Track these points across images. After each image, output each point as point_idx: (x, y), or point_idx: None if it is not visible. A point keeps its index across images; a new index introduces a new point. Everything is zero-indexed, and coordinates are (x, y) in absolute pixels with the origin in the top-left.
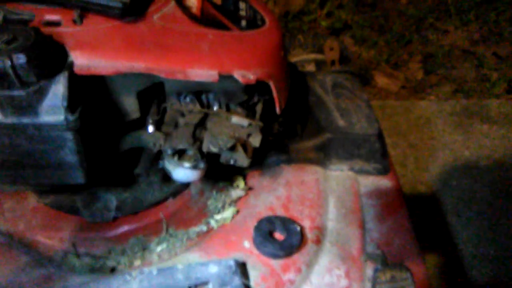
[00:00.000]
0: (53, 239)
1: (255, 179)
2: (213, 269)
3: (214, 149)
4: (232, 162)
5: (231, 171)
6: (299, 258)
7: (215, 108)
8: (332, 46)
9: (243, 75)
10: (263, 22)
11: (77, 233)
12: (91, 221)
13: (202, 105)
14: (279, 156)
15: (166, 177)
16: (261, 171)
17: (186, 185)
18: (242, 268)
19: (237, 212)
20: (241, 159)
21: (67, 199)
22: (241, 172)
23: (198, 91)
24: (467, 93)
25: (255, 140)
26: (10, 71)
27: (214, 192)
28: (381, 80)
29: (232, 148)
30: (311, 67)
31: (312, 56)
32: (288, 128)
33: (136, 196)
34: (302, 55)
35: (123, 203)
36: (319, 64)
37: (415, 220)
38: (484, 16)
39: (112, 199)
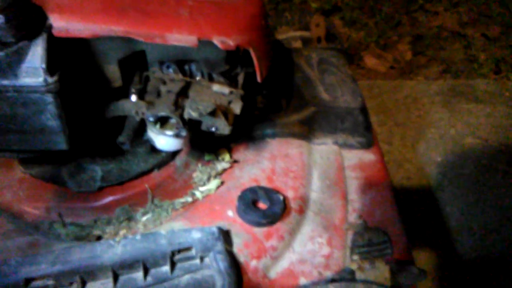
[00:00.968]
0: (39, 209)
1: (240, 152)
2: (196, 235)
3: (194, 114)
4: (213, 129)
5: (216, 144)
6: (281, 226)
7: (197, 78)
8: (318, 23)
9: (223, 41)
10: None
11: (63, 203)
12: (76, 191)
13: (184, 74)
14: (263, 129)
15: (151, 149)
16: (246, 145)
17: (171, 157)
18: (225, 234)
19: (222, 183)
20: (222, 126)
21: (53, 169)
22: (227, 145)
23: (181, 61)
24: (455, 74)
25: (236, 107)
26: None
27: (200, 165)
28: (370, 61)
29: (213, 114)
30: (297, 44)
31: (299, 33)
32: (273, 102)
33: (121, 167)
34: (289, 32)
35: (109, 173)
36: (305, 41)
37: (401, 196)
38: None
39: (97, 170)
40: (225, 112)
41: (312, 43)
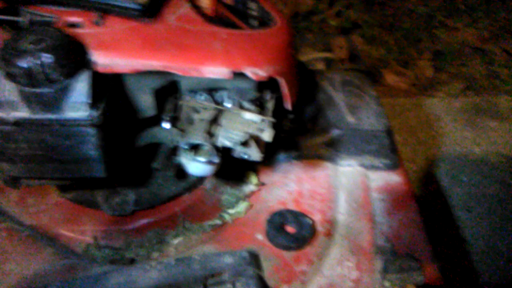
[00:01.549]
0: (75, 232)
1: (267, 175)
2: (228, 259)
3: (227, 143)
4: (245, 156)
5: (244, 167)
6: (310, 250)
7: (228, 105)
8: (341, 45)
9: (255, 72)
10: (273, 21)
11: (98, 227)
12: (110, 214)
13: (215, 102)
14: (290, 152)
15: (182, 173)
16: (273, 167)
17: (201, 181)
18: (255, 259)
19: (250, 206)
20: (254, 153)
21: (88, 193)
22: (254, 168)
23: (212, 89)
24: (477, 90)
25: (267, 135)
26: (38, 69)
27: (228, 188)
28: (390, 78)
29: (245, 143)
30: (320, 66)
31: (322, 54)
32: (298, 125)
33: (153, 191)
34: (312, 54)
35: (141, 197)
36: (328, 62)
37: (425, 215)
38: (494, 13)
39: (130, 194)
40: (256, 139)
41: (335, 65)
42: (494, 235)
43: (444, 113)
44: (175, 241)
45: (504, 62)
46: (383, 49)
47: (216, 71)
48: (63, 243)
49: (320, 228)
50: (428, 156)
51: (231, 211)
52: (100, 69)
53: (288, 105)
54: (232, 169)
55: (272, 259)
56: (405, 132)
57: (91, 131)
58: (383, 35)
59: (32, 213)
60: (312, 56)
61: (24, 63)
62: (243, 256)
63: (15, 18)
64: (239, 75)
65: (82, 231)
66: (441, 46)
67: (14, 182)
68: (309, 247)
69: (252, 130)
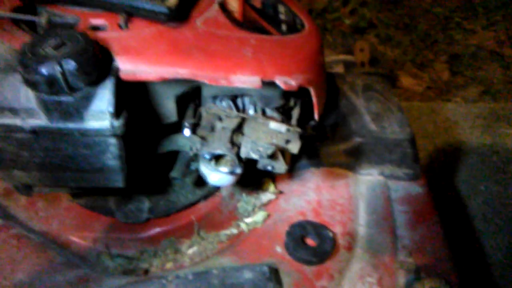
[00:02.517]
0: (86, 239)
1: (284, 182)
2: (247, 274)
3: (254, 156)
4: (269, 168)
5: (260, 174)
6: (331, 265)
7: (250, 112)
8: (362, 47)
9: (285, 82)
10: (303, 26)
11: (110, 234)
12: (124, 222)
13: (237, 109)
14: (308, 159)
15: (199, 180)
16: (291, 175)
17: (217, 188)
18: (275, 274)
19: (268, 216)
20: (280, 166)
21: (101, 199)
22: (271, 175)
23: (234, 95)
24: (494, 96)
25: (294, 147)
26: (59, 76)
27: (244, 195)
28: (406, 80)
29: (271, 155)
30: (339, 68)
31: (341, 57)
32: (318, 132)
33: (169, 199)
34: (331, 56)
35: (156, 205)
36: (348, 65)
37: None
38: (511, 17)
39: (145, 201)
40: (282, 151)
41: (355, 68)
42: None
43: (461, 118)
44: (190, 251)
45: None
46: (398, 50)
47: (246, 80)
48: (74, 251)
49: (341, 241)
50: (445, 163)
51: (248, 220)
52: (124, 76)
53: (317, 116)
54: (248, 176)
55: (292, 274)
56: (422, 138)
57: (112, 141)
58: (398, 35)
59: (42, 218)
60: (331, 58)
61: (44, 69)
62: (263, 271)
63: (33, 18)
64: (268, 83)
65: (94, 239)
66: (458, 49)
67: (26, 189)
68: (330, 262)
69: (279, 141)
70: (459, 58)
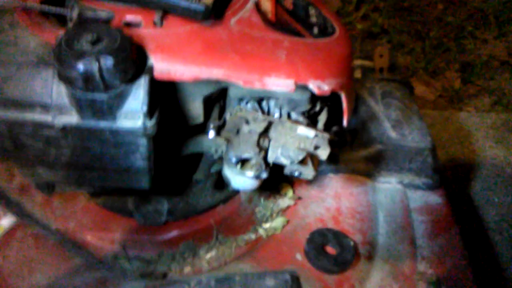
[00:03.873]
0: (104, 240)
1: (302, 187)
2: (269, 282)
3: (284, 161)
4: (296, 174)
5: (278, 178)
6: (352, 274)
7: (275, 116)
8: (382, 53)
9: (318, 86)
10: (333, 29)
11: (128, 235)
12: (142, 223)
13: (263, 111)
14: (327, 165)
15: (219, 183)
16: (309, 180)
17: (236, 192)
18: (297, 282)
19: (287, 222)
20: (308, 172)
21: (119, 200)
22: (288, 180)
23: (260, 97)
24: (506, 106)
25: (324, 153)
26: (97, 73)
27: (262, 200)
28: (418, 88)
29: (301, 161)
30: (357, 74)
31: (361, 62)
32: (338, 137)
33: (188, 201)
34: None
35: (175, 207)
36: (365, 70)
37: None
38: None
39: (164, 203)
40: (310, 156)
41: (374, 74)
42: None
43: (474, 128)
44: (208, 255)
45: None
46: (410, 56)
47: (280, 83)
48: (91, 251)
49: (361, 250)
50: (459, 173)
51: (266, 225)
52: (158, 75)
53: (345, 122)
54: (267, 180)
55: (313, 282)
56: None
57: (143, 141)
58: (411, 42)
59: (59, 217)
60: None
61: (82, 65)
62: (286, 279)
63: (65, 11)
64: (300, 87)
65: (111, 239)
66: (469, 58)
67: (48, 187)
68: (351, 271)
69: (307, 147)
70: (470, 67)
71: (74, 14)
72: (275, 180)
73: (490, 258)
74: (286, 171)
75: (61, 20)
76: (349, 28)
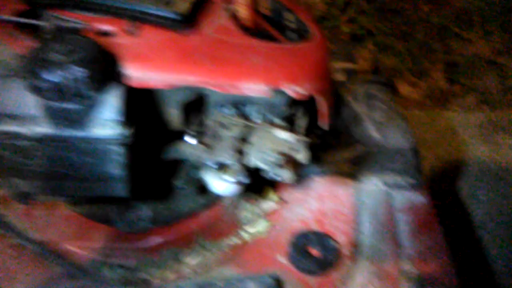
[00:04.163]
0: (86, 249)
1: (286, 190)
2: (251, 286)
3: (263, 166)
4: (277, 178)
5: (262, 182)
6: (335, 275)
7: (256, 121)
8: (365, 56)
9: (294, 90)
10: (310, 34)
11: (110, 243)
12: (124, 231)
13: (243, 117)
14: (310, 167)
15: (200, 189)
16: (293, 183)
17: (219, 197)
18: (279, 285)
19: (270, 225)
20: (287, 176)
21: (100, 208)
22: (271, 183)
23: (238, 103)
24: (492, 105)
25: (303, 157)
26: (69, 84)
27: (245, 203)
28: (404, 89)
29: (280, 165)
30: (341, 76)
31: (344, 65)
32: (321, 140)
33: (170, 207)
34: (333, 63)
35: (157, 214)
36: (349, 73)
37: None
38: (508, 26)
39: (145, 210)
40: (288, 160)
41: (357, 76)
42: None
43: (460, 127)
44: (192, 261)
45: None
46: (395, 58)
47: (255, 88)
48: (73, 261)
49: (344, 251)
50: (445, 172)
51: (250, 230)
52: (133, 83)
53: (325, 125)
54: (250, 184)
55: (296, 285)
56: (422, 148)
57: (119, 150)
58: (396, 44)
59: (40, 227)
60: (333, 66)
61: (53, 77)
62: (267, 282)
63: (39, 22)
64: (277, 92)
65: (93, 248)
66: (455, 58)
67: (23, 197)
68: (334, 272)
69: (286, 150)
70: (456, 67)
71: (49, 25)
72: (259, 184)
73: (476, 255)
74: (266, 175)
75: (36, 32)
76: (335, 32)
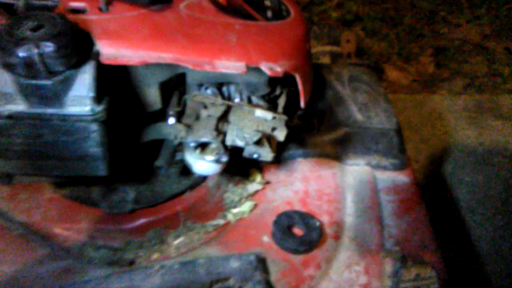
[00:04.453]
0: (70, 231)
1: (271, 172)
2: (234, 264)
3: (240, 143)
4: (255, 156)
5: (247, 164)
6: (318, 253)
7: (236, 100)
8: (349, 38)
9: (271, 68)
10: (288, 13)
11: (94, 225)
12: (108, 212)
13: (223, 97)
14: (295, 149)
15: (185, 170)
16: (278, 165)
17: (203, 178)
18: (262, 263)
19: (255, 206)
20: (266, 153)
21: (84, 190)
22: (258, 165)
23: (220, 83)
24: (479, 88)
25: (280, 134)
26: (37, 59)
27: (231, 186)
28: (392, 73)
29: (258, 142)
30: (326, 59)
31: (328, 48)
32: (305, 122)
33: (154, 189)
34: (317, 47)
35: (141, 195)
36: (334, 56)
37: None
38: (495, 10)
39: (129, 191)
40: (268, 138)
41: (342, 59)
42: (498, 237)
43: (446, 111)
44: (176, 241)
45: (505, 60)
46: (384, 43)
47: (230, 66)
48: (57, 243)
49: (328, 230)
50: (431, 155)
51: (234, 210)
52: (105, 60)
53: (303, 103)
54: (235, 166)
55: (279, 263)
56: (408, 130)
57: (94, 127)
58: (385, 29)
59: (24, 209)
60: (317, 49)
61: (22, 52)
62: (250, 260)
63: (10, 1)
64: (252, 69)
65: (78, 230)
66: (443, 42)
67: (6, 178)
68: (317, 251)
69: (265, 129)
70: (444, 51)
71: (20, 3)
72: (244, 166)
73: (460, 236)
74: (245, 153)
75: (10, 11)
76: (323, 17)
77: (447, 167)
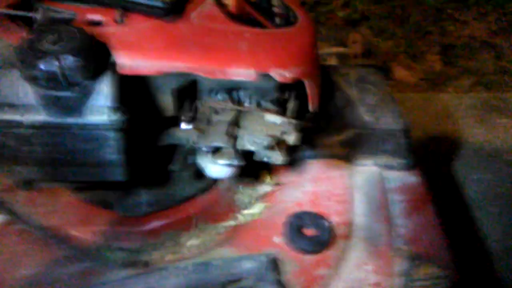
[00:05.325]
0: (87, 233)
1: (281, 174)
2: (247, 264)
3: (251, 147)
4: (266, 160)
5: (258, 166)
6: (329, 254)
7: (246, 105)
8: (355, 40)
9: (280, 74)
10: (296, 19)
11: (110, 227)
12: (123, 215)
13: (234, 102)
14: (304, 151)
15: (197, 173)
16: (288, 167)
17: (215, 181)
18: (275, 263)
19: (266, 207)
20: (277, 157)
21: (100, 194)
22: (268, 167)
23: (231, 89)
24: (487, 86)
25: (294, 139)
26: (58, 72)
27: (241, 187)
28: (399, 72)
29: (268, 146)
30: (333, 61)
31: (335, 49)
32: (314, 123)
33: (167, 192)
34: (324, 48)
35: (155, 198)
36: (341, 57)
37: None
38: (503, 7)
39: (144, 194)
40: (279, 142)
41: (349, 60)
42: (507, 234)
43: (454, 109)
44: (190, 243)
45: None
46: (391, 41)
47: (242, 73)
48: (75, 245)
49: (338, 231)
50: (439, 153)
51: (246, 212)
52: (123, 71)
53: (312, 107)
54: (246, 168)
55: (291, 263)
56: (416, 129)
57: (113, 135)
58: (391, 27)
59: (42, 213)
60: (325, 51)
61: (45, 65)
62: (263, 260)
63: (30, 14)
64: (263, 76)
65: (94, 232)
66: (450, 40)
67: (26, 184)
68: (328, 251)
69: (275, 133)
70: (451, 49)
71: (39, 16)
72: (255, 169)
73: (469, 233)
74: (256, 157)
75: (28, 23)
76: (329, 17)
77: (455, 165)
